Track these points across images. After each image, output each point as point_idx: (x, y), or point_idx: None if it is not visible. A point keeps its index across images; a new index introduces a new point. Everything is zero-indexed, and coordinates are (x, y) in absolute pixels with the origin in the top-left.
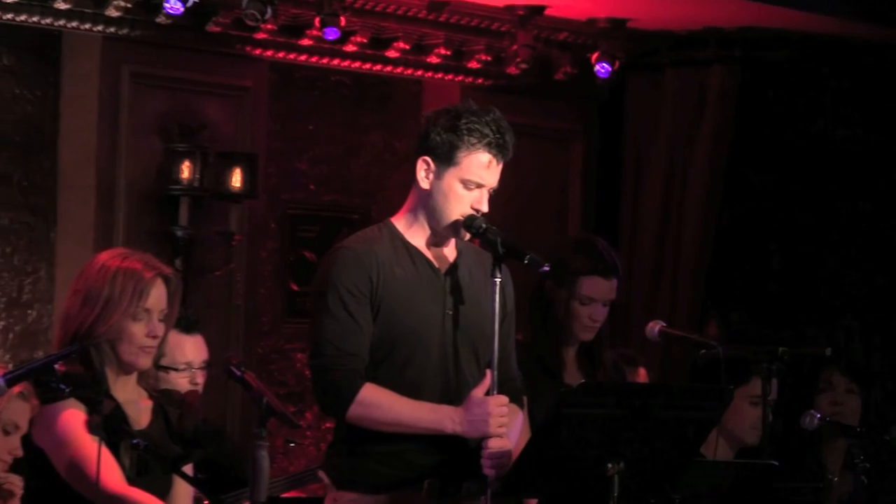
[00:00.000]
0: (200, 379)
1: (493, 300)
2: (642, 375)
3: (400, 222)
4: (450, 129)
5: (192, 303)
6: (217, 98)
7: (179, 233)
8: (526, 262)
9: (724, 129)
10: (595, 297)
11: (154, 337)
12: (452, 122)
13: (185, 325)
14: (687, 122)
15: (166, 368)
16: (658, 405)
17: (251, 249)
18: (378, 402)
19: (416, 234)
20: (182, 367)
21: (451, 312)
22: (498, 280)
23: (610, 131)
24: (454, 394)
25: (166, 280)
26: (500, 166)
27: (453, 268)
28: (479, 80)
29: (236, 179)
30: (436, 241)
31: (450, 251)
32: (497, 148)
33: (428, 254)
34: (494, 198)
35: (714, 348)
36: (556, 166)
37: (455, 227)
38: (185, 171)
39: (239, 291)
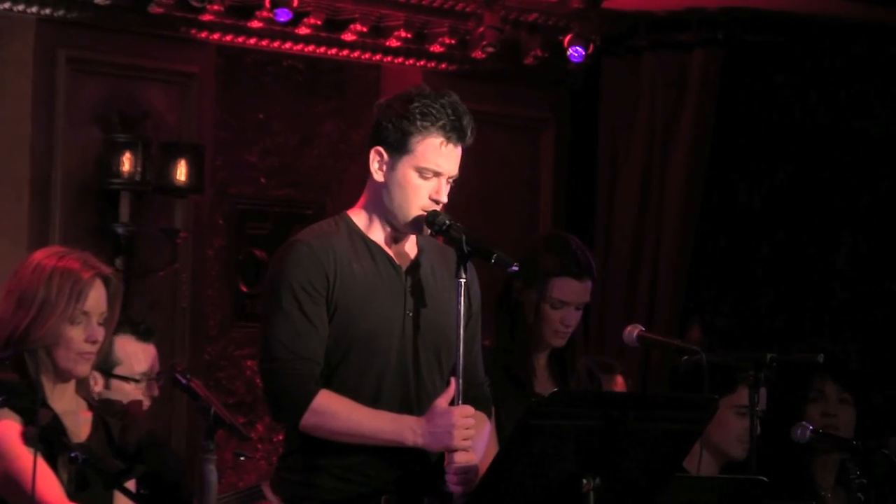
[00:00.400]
0: (155, 391)
1: (458, 302)
2: (619, 384)
3: (358, 216)
4: (401, 115)
5: (134, 305)
6: (160, 85)
7: (120, 230)
8: (493, 261)
9: (706, 117)
10: (567, 300)
11: (93, 342)
12: (404, 107)
13: (144, 332)
14: (666, 109)
15: (124, 379)
16: (636, 416)
17: (197, 248)
18: (334, 411)
19: (375, 230)
20: (139, 377)
21: (411, 314)
22: (463, 280)
23: (584, 120)
24: (415, 402)
25: (106, 281)
26: (459, 151)
27: (415, 265)
28: (443, 66)
29: (181, 172)
30: (396, 236)
31: (411, 247)
32: (453, 131)
33: (388, 250)
34: (459, 193)
35: (697, 354)
36: (525, 158)
37: (416, 223)
38: (126, 163)
39: (184, 293)
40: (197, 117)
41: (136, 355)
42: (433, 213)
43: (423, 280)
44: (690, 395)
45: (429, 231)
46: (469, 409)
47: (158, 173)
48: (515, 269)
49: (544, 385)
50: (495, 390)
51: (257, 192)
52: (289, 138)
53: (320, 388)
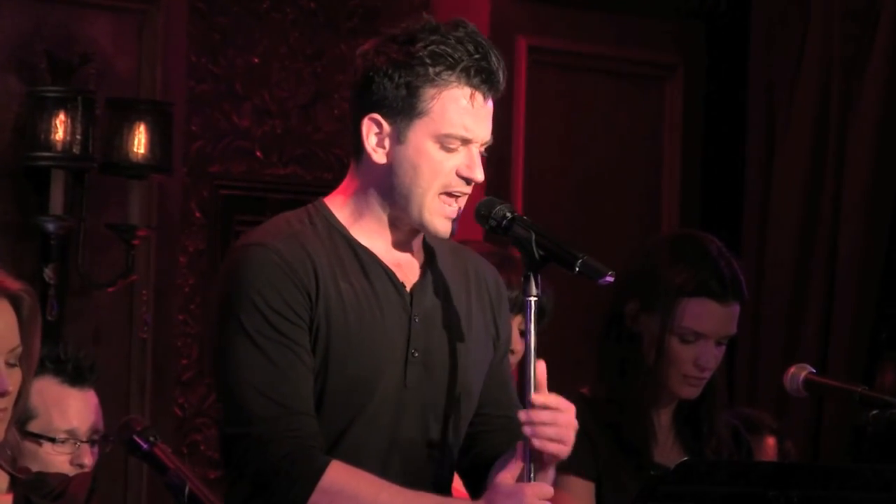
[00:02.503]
0: (88, 458)
1: (528, 330)
2: (770, 448)
3: (341, 211)
4: (402, 64)
5: (69, 335)
6: (108, 15)
7: (50, 226)
8: (578, 269)
9: None
10: (704, 331)
11: (2, 394)
12: (405, 52)
13: (73, 373)
14: (848, 52)
15: (38, 438)
16: (804, 496)
17: (164, 252)
18: (353, 491)
19: (366, 230)
20: (62, 436)
21: (417, 354)
22: (532, 299)
23: (726, 67)
24: (425, 477)
25: (15, 301)
26: (491, 106)
27: (424, 281)
28: None
29: (139, 143)
30: (398, 239)
31: (417, 253)
32: (480, 75)
33: (385, 259)
34: (541, 177)
35: (892, 407)
36: (640, 122)
37: (434, 217)
38: (59, 128)
39: (144, 318)
40: (162, 63)
41: (60, 404)
42: (487, 202)
43: (435, 304)
44: (884, 464)
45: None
46: (547, 490)
47: (106, 144)
48: (610, 279)
49: (668, 452)
50: (598, 458)
51: (250, 170)
52: (296, 92)
53: (330, 459)
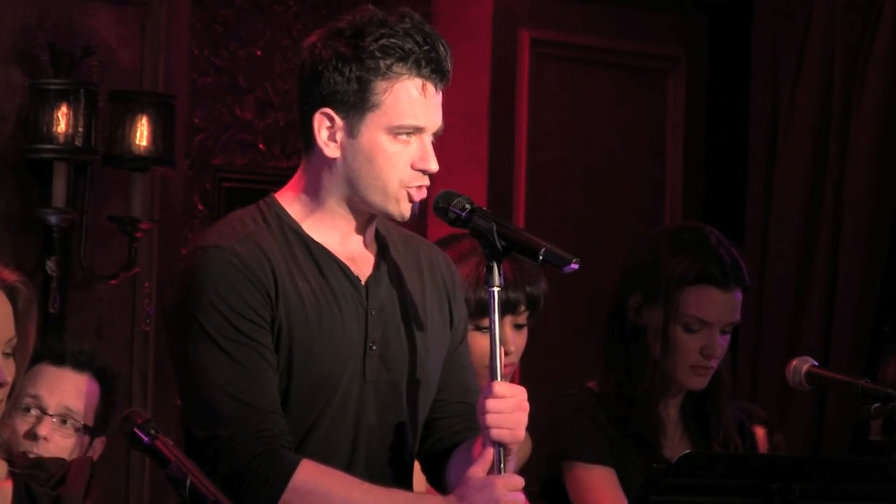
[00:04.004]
0: (66, 440)
1: (492, 321)
2: (760, 439)
3: (293, 206)
4: (352, 58)
5: (71, 328)
6: (110, 7)
7: (53, 218)
8: (542, 258)
9: None
10: (708, 319)
11: (0, 383)
12: (353, 45)
13: (68, 356)
14: (851, 44)
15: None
16: (806, 488)
17: (166, 244)
18: (325, 489)
19: (317, 225)
20: (26, 401)
21: (375, 347)
22: (495, 290)
23: (729, 59)
24: (388, 471)
25: (11, 293)
26: (440, 95)
27: (378, 274)
28: None
29: (141, 135)
30: (350, 231)
31: (369, 244)
32: (430, 65)
33: (339, 253)
34: (544, 169)
35: (895, 400)
36: (643, 114)
37: (395, 202)
38: (62, 120)
39: (146, 310)
40: (164, 55)
41: (49, 385)
42: (445, 194)
43: (391, 295)
44: (885, 458)
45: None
46: (518, 480)
47: (109, 136)
48: (575, 266)
49: (676, 444)
50: (607, 451)
51: (252, 162)
52: None
53: (301, 458)
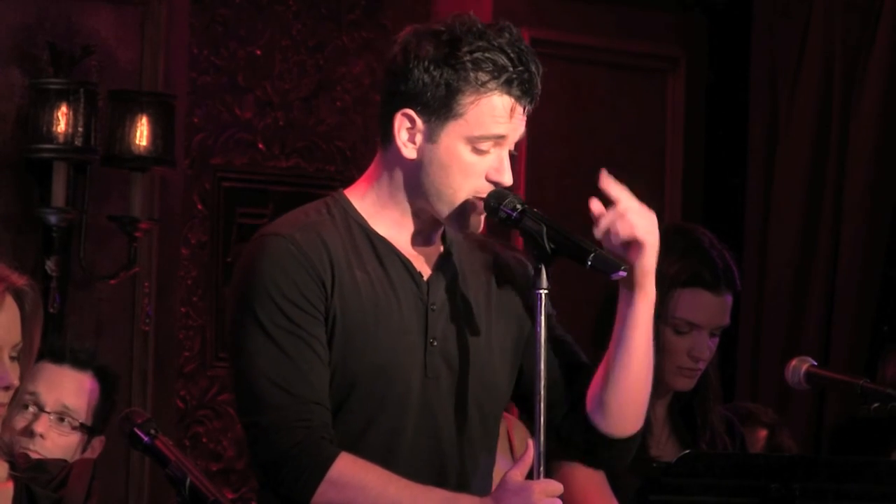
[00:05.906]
0: (63, 438)
1: (538, 322)
2: (761, 440)
3: (361, 202)
4: (445, 63)
5: (71, 328)
6: (110, 6)
7: (52, 217)
8: (590, 263)
9: None
10: (697, 321)
11: (6, 388)
12: (448, 52)
13: (73, 356)
14: (851, 43)
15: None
16: (806, 488)
17: (166, 244)
18: (361, 482)
19: (385, 221)
20: (26, 398)
21: (436, 343)
22: (542, 292)
23: (729, 59)
24: (449, 470)
25: (18, 296)
26: (525, 115)
27: (441, 272)
28: None
29: (141, 135)
30: (418, 230)
31: (435, 246)
32: (521, 86)
33: (403, 249)
34: (541, 168)
35: (894, 400)
36: (643, 114)
37: (463, 214)
38: (61, 120)
39: (146, 310)
40: (164, 55)
41: (47, 382)
42: (496, 194)
43: (453, 294)
44: (881, 458)
45: (471, 222)
46: (556, 486)
47: (108, 136)
48: (623, 273)
49: (663, 444)
50: None
51: (252, 162)
52: (298, 84)
53: (339, 450)
